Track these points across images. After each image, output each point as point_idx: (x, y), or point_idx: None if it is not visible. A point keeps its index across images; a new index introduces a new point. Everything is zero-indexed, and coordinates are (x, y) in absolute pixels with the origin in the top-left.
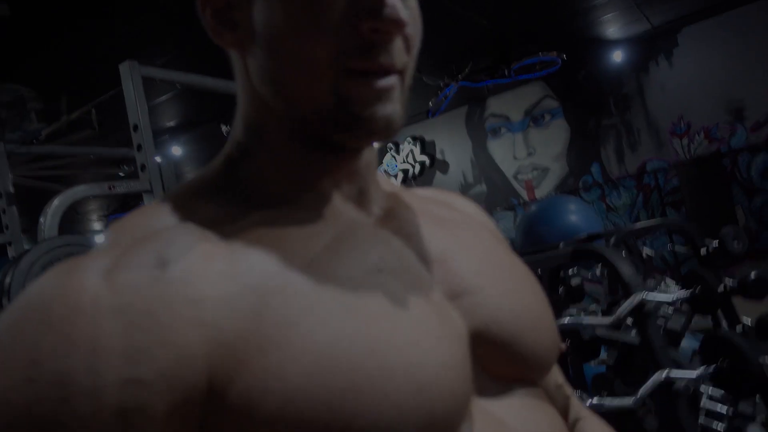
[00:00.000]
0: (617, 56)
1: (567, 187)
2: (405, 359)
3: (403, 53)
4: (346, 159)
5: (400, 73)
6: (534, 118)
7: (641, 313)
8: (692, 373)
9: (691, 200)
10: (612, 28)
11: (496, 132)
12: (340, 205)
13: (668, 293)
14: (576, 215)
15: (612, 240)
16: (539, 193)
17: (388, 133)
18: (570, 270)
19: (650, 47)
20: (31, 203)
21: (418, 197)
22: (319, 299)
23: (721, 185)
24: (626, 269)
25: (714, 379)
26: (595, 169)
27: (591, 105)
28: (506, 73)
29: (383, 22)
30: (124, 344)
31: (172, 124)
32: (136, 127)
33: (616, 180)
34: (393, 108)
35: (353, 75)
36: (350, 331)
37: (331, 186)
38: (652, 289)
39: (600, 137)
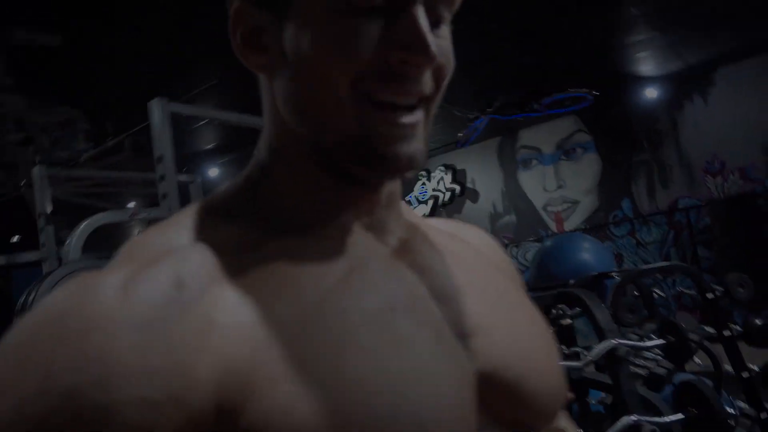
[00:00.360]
0: (651, 93)
1: (596, 221)
2: (409, 399)
3: (431, 83)
4: (367, 191)
5: (427, 101)
6: (566, 151)
7: (613, 357)
8: (660, 420)
9: (723, 240)
10: (647, 65)
11: (527, 163)
12: (357, 235)
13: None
14: (588, 253)
15: (618, 280)
16: (568, 226)
17: (409, 171)
18: (570, 310)
19: (685, 85)
20: (73, 216)
21: (438, 230)
22: (330, 336)
23: (755, 226)
24: (601, 315)
25: (684, 427)
26: (625, 204)
27: (623, 140)
28: (536, 107)
29: (415, 55)
30: (137, 363)
31: (210, 146)
32: (160, 159)
33: (646, 216)
34: (416, 147)
35: (379, 107)
36: (358, 369)
37: (349, 216)
38: (649, 332)
39: (631, 173)
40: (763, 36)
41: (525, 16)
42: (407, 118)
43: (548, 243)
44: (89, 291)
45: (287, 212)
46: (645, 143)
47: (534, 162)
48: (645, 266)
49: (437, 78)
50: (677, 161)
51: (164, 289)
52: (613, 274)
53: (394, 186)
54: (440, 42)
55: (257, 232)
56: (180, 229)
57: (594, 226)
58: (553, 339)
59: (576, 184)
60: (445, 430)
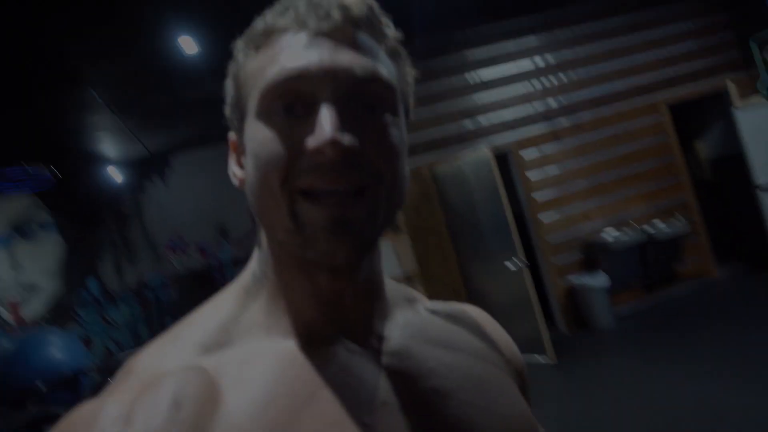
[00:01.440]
0: (115, 173)
1: (62, 306)
2: None
3: (365, 172)
4: (339, 285)
5: (372, 188)
6: (21, 230)
7: None
8: None
9: (188, 311)
10: (109, 148)
11: None
12: (338, 341)
13: None
14: (58, 350)
15: (99, 376)
16: (29, 314)
17: (348, 257)
18: None
19: (147, 168)
20: None
21: (432, 316)
22: None
23: (209, 296)
24: None
25: None
26: (92, 284)
27: (88, 219)
28: None
29: (320, 142)
30: None
31: None
32: None
33: (115, 295)
34: (353, 233)
35: (307, 197)
36: None
37: (330, 318)
38: None
39: (98, 252)
40: (213, 129)
41: None
42: (334, 203)
43: (7, 345)
44: (96, 427)
45: (275, 321)
46: (111, 223)
47: None
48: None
49: (377, 163)
50: (143, 240)
51: (163, 411)
52: (91, 367)
53: (372, 277)
54: (370, 130)
55: (247, 344)
56: (179, 347)
57: (59, 312)
58: (536, 427)
59: (35, 266)
60: None
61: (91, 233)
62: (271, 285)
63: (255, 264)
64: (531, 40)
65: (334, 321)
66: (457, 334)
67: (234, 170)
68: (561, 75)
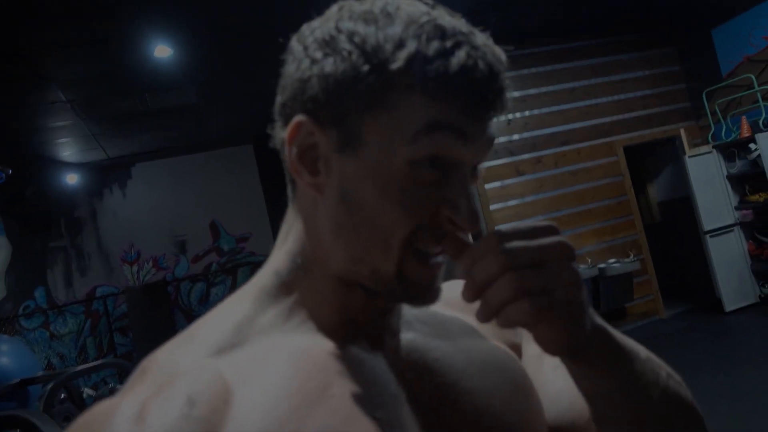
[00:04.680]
0: (71, 179)
1: (5, 313)
2: None
3: None
4: (378, 300)
5: None
6: None
7: None
8: None
9: (138, 325)
10: (67, 151)
11: None
12: (350, 339)
13: None
14: (7, 357)
15: (50, 386)
16: None
17: (432, 303)
18: None
19: (105, 175)
20: None
21: (439, 306)
22: None
23: (166, 311)
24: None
25: None
26: (39, 293)
27: (38, 225)
28: None
29: (464, 223)
30: None
31: None
32: None
33: (62, 306)
34: (439, 284)
35: (417, 255)
36: None
37: (352, 324)
38: None
39: (47, 260)
40: (173, 142)
41: None
42: (436, 261)
43: None
44: (111, 425)
45: (292, 322)
46: (63, 230)
47: None
48: (79, 367)
49: None
50: (96, 249)
51: (177, 409)
52: (42, 377)
53: None
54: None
55: (263, 343)
56: (193, 348)
57: (3, 318)
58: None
59: None
60: None
61: (42, 239)
62: (300, 293)
63: (283, 269)
64: None
65: (351, 324)
66: (450, 319)
67: (304, 175)
68: (526, 112)
